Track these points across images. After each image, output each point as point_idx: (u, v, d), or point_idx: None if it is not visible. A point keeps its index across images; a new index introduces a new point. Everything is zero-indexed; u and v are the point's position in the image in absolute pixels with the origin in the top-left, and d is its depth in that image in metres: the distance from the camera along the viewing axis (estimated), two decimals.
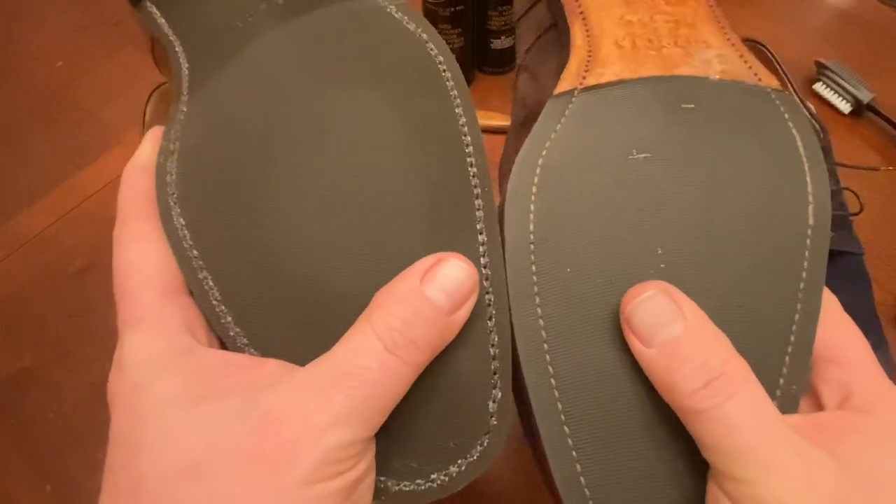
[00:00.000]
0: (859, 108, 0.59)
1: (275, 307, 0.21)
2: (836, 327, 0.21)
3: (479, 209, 0.22)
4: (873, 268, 0.40)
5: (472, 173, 0.22)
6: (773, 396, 0.19)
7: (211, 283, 0.21)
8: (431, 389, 0.20)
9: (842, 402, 0.19)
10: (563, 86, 0.25)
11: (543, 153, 0.23)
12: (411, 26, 0.25)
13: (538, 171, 0.22)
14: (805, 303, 0.20)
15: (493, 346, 0.20)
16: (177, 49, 0.26)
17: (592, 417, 0.19)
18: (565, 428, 0.19)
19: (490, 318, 0.21)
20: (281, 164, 0.22)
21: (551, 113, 0.24)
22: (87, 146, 0.61)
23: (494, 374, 0.20)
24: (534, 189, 0.22)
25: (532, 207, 0.22)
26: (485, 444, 0.20)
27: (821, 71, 0.62)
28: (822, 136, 0.38)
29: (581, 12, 0.27)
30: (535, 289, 0.21)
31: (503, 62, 0.64)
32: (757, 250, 0.21)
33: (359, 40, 0.24)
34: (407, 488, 0.20)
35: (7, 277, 0.53)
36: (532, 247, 0.21)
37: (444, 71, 0.24)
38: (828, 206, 0.21)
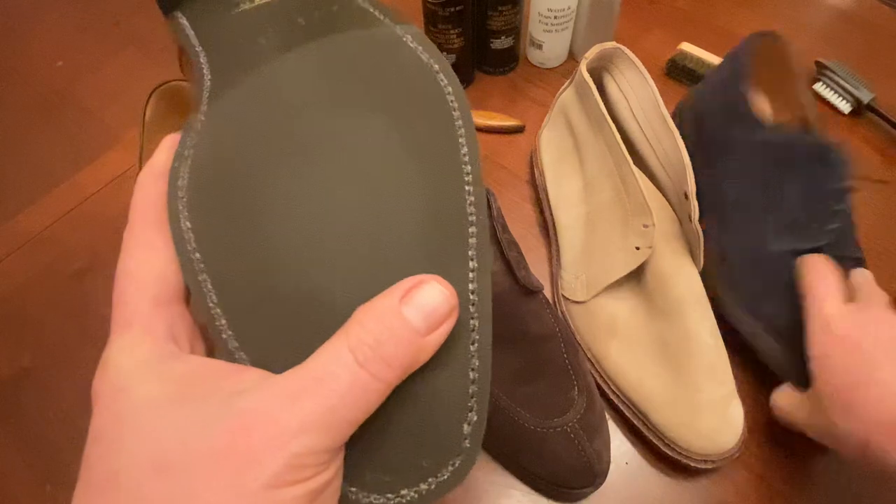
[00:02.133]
0: (859, 108, 0.59)
1: (266, 314, 0.21)
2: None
3: (472, 236, 0.22)
4: (873, 267, 0.40)
5: (469, 202, 0.23)
6: None
7: (209, 286, 0.22)
8: (408, 407, 0.20)
9: None
10: None
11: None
12: (424, 56, 0.26)
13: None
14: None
15: (472, 370, 0.21)
16: (202, 60, 0.27)
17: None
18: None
19: (473, 343, 0.21)
20: (283, 178, 0.22)
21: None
22: (87, 146, 0.61)
23: (472, 397, 0.20)
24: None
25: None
26: (456, 465, 0.20)
27: (821, 71, 0.62)
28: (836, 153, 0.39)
29: None
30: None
31: (503, 62, 0.64)
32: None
33: (372, 67, 0.25)
34: (377, 501, 0.20)
35: (7, 277, 0.53)
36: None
37: (452, 101, 0.25)
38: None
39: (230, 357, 0.21)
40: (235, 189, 0.23)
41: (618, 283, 0.44)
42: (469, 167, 0.23)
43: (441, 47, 0.59)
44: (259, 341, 0.21)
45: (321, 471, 0.18)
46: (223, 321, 0.21)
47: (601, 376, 0.43)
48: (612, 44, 0.47)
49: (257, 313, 0.21)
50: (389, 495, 0.20)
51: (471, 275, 0.22)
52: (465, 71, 0.64)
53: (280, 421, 0.17)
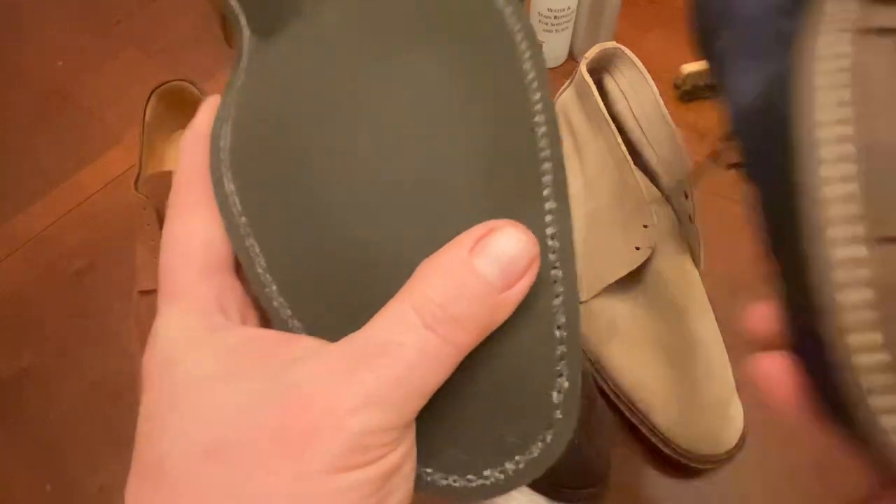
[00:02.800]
0: None
1: (320, 277, 0.19)
2: None
3: (547, 172, 0.19)
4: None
5: (539, 133, 0.20)
6: None
7: (257, 250, 0.20)
8: (486, 374, 0.18)
9: None
10: None
11: None
12: None
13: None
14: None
15: (559, 327, 0.18)
16: (237, 12, 0.25)
17: None
18: None
19: (557, 296, 0.18)
20: (331, 130, 0.20)
21: None
22: (88, 146, 0.61)
23: (560, 359, 0.18)
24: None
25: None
26: (547, 440, 0.18)
27: None
28: None
29: None
30: None
31: None
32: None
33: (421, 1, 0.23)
34: (456, 483, 0.18)
35: (7, 277, 0.53)
36: None
37: (515, 23, 0.22)
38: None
39: (283, 326, 0.19)
40: (280, 146, 0.21)
41: (618, 283, 0.44)
42: (538, 94, 0.20)
43: None
44: (313, 307, 0.19)
45: (389, 451, 0.16)
46: (273, 287, 0.20)
47: (601, 376, 0.43)
48: (612, 44, 0.47)
49: (310, 277, 0.19)
50: (471, 476, 0.18)
51: (548, 217, 0.19)
52: None
53: (336, 395, 0.15)
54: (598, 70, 0.49)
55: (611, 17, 0.61)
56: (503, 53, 0.21)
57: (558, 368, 0.18)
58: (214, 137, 0.22)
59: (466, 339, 0.17)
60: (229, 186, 0.21)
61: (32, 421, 0.45)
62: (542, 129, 0.20)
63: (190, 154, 0.22)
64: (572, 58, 0.67)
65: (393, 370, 0.16)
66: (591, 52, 0.47)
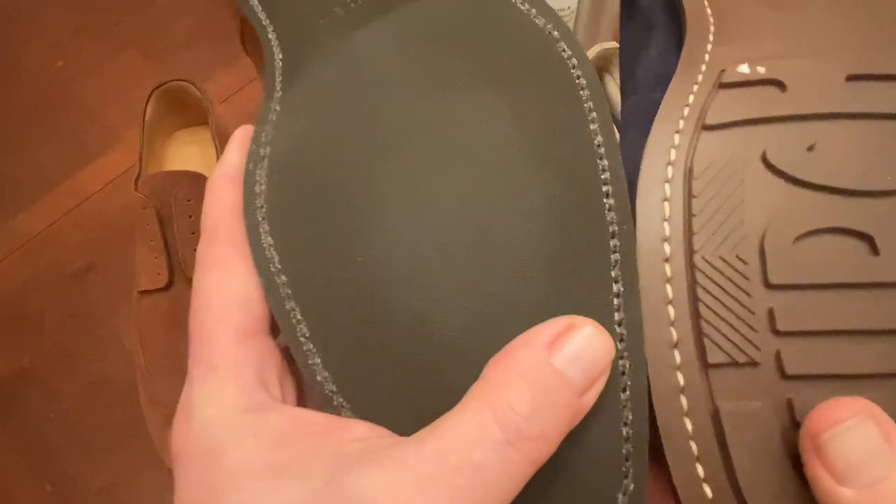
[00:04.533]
0: None
1: (370, 351, 0.17)
2: None
3: (614, 251, 0.18)
4: None
5: (607, 206, 0.18)
6: None
7: (299, 316, 0.18)
8: (548, 479, 0.16)
9: None
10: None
11: None
12: (540, 21, 0.21)
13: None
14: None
15: (625, 424, 0.16)
16: (270, 36, 0.23)
17: None
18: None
19: (624, 390, 0.17)
20: (388, 179, 0.18)
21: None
22: (88, 146, 0.61)
23: (626, 460, 0.16)
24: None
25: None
26: None
27: None
28: None
29: None
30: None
31: None
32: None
33: (477, 34, 0.21)
34: None
35: (7, 277, 0.53)
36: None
37: (579, 78, 0.20)
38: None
39: (328, 402, 0.18)
40: (327, 195, 0.19)
41: None
42: (606, 161, 0.18)
43: None
44: (362, 385, 0.17)
45: None
46: (318, 360, 0.18)
47: None
48: (612, 44, 0.47)
49: (358, 349, 0.17)
50: None
51: (616, 301, 0.17)
52: None
53: None
54: (598, 70, 0.49)
55: (611, 17, 0.61)
56: (572, 108, 0.19)
57: (624, 469, 0.16)
58: (248, 180, 0.20)
59: (547, 453, 0.15)
60: (266, 239, 0.19)
61: (32, 421, 0.45)
62: (611, 203, 0.18)
63: (221, 197, 0.20)
64: None
65: (472, 493, 0.14)
66: (591, 53, 0.47)
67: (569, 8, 0.60)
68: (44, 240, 0.55)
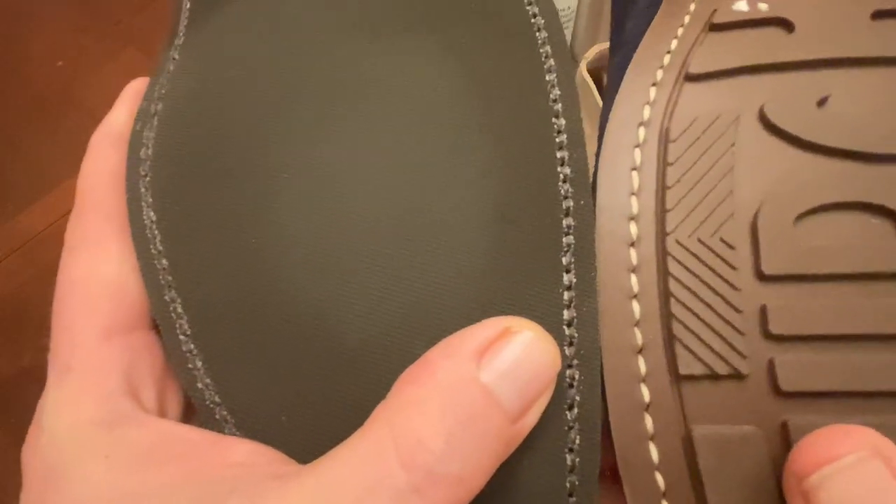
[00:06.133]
0: None
1: (263, 354, 0.14)
2: None
3: (567, 232, 0.14)
4: None
5: (562, 176, 0.15)
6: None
7: (180, 310, 0.15)
8: None
9: None
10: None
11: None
12: None
13: None
14: None
15: (570, 450, 0.13)
16: None
17: None
18: None
19: (571, 407, 0.13)
20: (295, 143, 0.16)
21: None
22: (88, 146, 0.61)
23: (570, 496, 0.13)
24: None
25: None
26: None
27: None
28: None
29: None
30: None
31: None
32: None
33: None
34: None
35: (7, 277, 0.53)
36: None
37: (535, 16, 0.17)
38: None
39: (209, 416, 0.14)
40: (223, 163, 0.16)
41: None
42: (562, 120, 0.15)
43: None
44: (250, 396, 0.14)
45: None
46: (199, 363, 0.15)
47: None
48: None
49: (247, 352, 0.15)
50: None
51: (566, 295, 0.14)
52: None
53: None
54: (598, 70, 0.49)
55: (610, 17, 0.61)
56: (523, 54, 0.16)
57: None
58: (134, 143, 0.17)
59: (466, 499, 0.11)
60: (148, 214, 0.16)
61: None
62: (566, 172, 0.15)
63: (100, 162, 0.17)
64: (572, 58, 0.67)
65: None
66: (591, 52, 0.47)
67: (568, 8, 0.60)
68: (44, 240, 0.55)
